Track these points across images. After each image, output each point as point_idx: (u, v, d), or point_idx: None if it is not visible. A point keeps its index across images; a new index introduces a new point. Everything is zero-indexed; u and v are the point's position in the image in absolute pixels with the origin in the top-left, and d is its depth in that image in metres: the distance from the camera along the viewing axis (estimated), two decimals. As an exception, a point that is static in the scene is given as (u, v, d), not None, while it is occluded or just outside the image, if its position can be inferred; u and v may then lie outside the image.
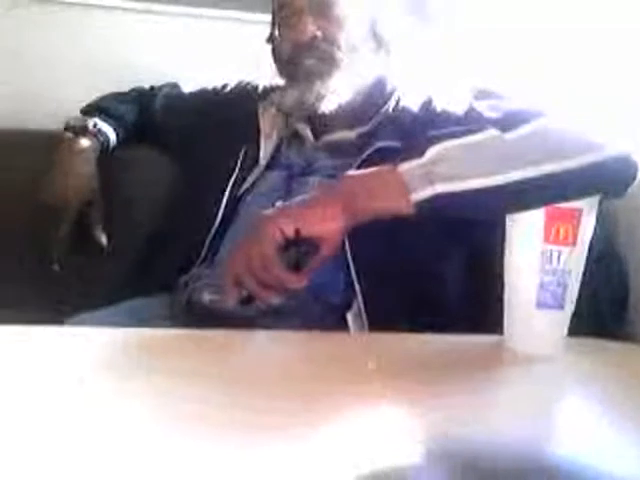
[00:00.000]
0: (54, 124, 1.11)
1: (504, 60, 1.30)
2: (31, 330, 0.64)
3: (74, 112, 1.12)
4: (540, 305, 0.73)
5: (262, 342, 0.74)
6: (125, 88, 1.20)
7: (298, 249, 0.74)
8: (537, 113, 0.79)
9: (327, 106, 0.95)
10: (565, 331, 0.74)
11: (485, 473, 0.29)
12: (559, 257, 0.73)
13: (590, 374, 0.69)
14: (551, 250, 0.72)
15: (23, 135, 1.20)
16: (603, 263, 0.97)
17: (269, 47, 1.01)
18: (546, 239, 0.72)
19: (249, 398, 0.48)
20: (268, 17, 1.02)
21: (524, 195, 0.73)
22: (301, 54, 0.95)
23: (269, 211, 0.78)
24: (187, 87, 1.20)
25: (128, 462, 0.35)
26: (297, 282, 0.73)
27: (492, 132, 0.76)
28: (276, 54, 1.01)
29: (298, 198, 0.81)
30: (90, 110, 1.12)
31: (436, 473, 0.28)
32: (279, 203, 0.86)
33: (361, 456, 0.34)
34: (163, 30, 1.36)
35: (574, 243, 0.73)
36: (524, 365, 0.71)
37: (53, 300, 0.99)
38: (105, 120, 1.11)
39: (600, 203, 0.76)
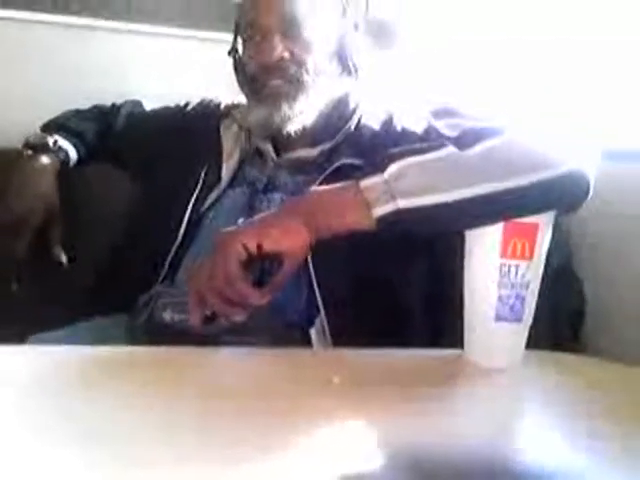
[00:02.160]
0: (10, 142, 1.09)
1: (464, 78, 1.34)
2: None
3: (32, 130, 1.10)
4: (499, 318, 0.74)
5: (226, 359, 0.74)
6: (83, 106, 1.19)
7: (261, 265, 0.75)
8: (495, 131, 0.81)
9: (292, 127, 0.96)
10: (523, 344, 0.76)
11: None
12: (517, 271, 0.74)
13: (547, 385, 0.70)
14: (509, 265, 0.74)
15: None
16: (560, 277, 0.99)
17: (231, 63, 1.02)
18: (504, 254, 0.74)
19: (212, 414, 0.48)
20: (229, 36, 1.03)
21: (481, 210, 0.74)
22: (268, 74, 0.95)
23: (232, 228, 0.78)
24: (149, 104, 1.20)
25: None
26: (261, 298, 0.73)
27: (450, 149, 0.78)
28: (239, 70, 1.01)
29: (261, 215, 0.81)
30: (50, 127, 1.11)
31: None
32: (241, 220, 0.86)
33: (328, 468, 0.35)
34: (123, 47, 1.37)
35: (531, 257, 0.75)
36: (483, 377, 0.72)
37: (11, 319, 0.96)
38: (65, 137, 1.09)
39: (556, 218, 0.78)
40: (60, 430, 0.41)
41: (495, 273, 0.74)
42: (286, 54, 0.95)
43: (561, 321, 1.03)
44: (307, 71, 0.95)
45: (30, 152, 1.05)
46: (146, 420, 0.45)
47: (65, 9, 1.34)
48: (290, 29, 0.95)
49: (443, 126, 0.92)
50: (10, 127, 1.10)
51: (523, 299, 0.75)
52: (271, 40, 0.94)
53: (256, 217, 0.81)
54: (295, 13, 0.95)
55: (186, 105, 1.17)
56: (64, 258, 1.03)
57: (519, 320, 0.75)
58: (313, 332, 0.87)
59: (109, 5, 1.37)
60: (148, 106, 1.20)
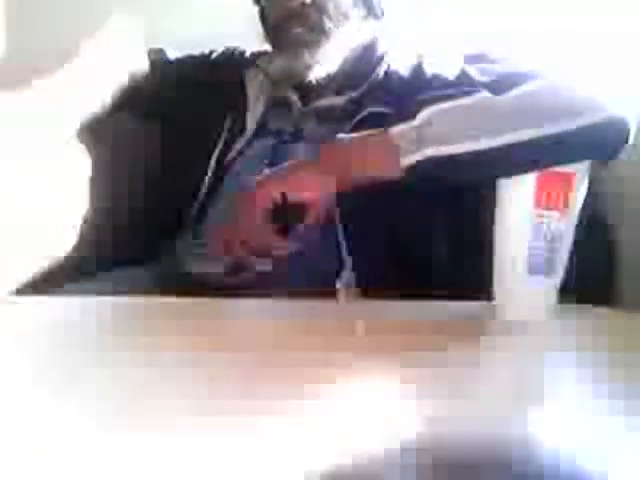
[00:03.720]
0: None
1: (499, 22, 1.28)
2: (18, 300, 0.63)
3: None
4: (531, 271, 0.72)
5: (246, 310, 0.73)
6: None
7: (285, 214, 0.73)
8: (531, 75, 0.78)
9: (315, 75, 0.93)
10: (555, 297, 0.74)
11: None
12: (550, 222, 0.72)
13: (579, 340, 0.68)
14: (543, 215, 0.72)
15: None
16: (592, 230, 0.96)
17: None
18: (537, 203, 0.71)
19: (226, 366, 0.47)
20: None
21: (514, 158, 0.72)
22: (289, 22, 0.93)
23: (257, 177, 0.76)
24: (172, 53, 1.18)
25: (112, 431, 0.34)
26: (285, 247, 0.72)
27: (484, 95, 0.75)
28: (263, 19, 0.99)
29: (286, 163, 0.79)
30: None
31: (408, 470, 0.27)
32: (267, 170, 0.85)
33: (344, 433, 0.33)
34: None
35: (565, 208, 0.72)
36: (514, 331, 0.70)
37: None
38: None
39: (590, 169, 0.75)
40: (74, 382, 0.41)
41: (528, 224, 0.72)
42: (307, 0, 0.91)
43: (593, 274, 1.00)
44: (329, 17, 0.92)
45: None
46: (159, 371, 0.44)
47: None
48: None
49: (476, 71, 0.88)
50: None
51: (556, 251, 0.73)
52: None
53: (282, 166, 0.79)
54: None
55: (210, 53, 1.14)
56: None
57: (551, 273, 0.73)
58: (339, 284, 0.85)
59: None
60: (171, 54, 1.18)
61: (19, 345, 0.51)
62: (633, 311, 0.78)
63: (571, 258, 0.76)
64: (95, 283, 0.86)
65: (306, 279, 0.86)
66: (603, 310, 0.77)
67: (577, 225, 0.75)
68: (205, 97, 1.03)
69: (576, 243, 0.76)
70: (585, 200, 0.75)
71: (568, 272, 0.76)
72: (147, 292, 0.84)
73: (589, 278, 0.99)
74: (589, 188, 0.75)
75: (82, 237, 1.01)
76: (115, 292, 0.74)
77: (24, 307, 0.64)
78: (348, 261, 0.85)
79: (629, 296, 1.03)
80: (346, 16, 0.93)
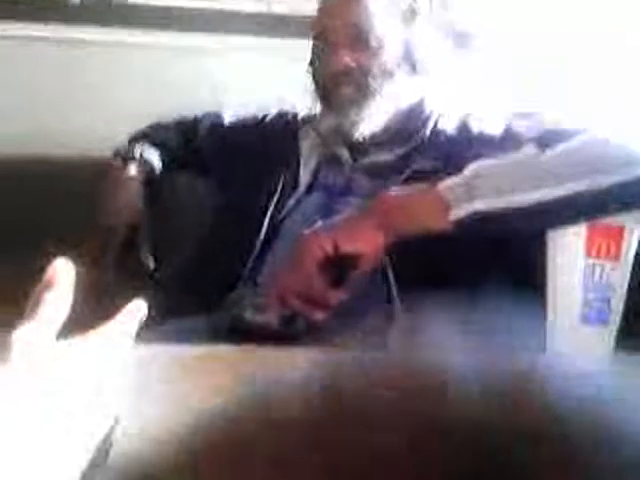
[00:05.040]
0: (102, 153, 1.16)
1: (543, 80, 1.31)
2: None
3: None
4: (584, 321, 0.72)
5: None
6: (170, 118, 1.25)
7: (337, 265, 0.76)
8: (577, 131, 0.79)
9: (362, 132, 0.97)
10: (611, 347, 0.73)
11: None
12: (602, 272, 0.72)
13: (636, 393, 0.67)
14: (594, 265, 0.72)
15: (69, 163, 1.25)
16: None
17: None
18: (588, 254, 0.72)
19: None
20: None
21: (561, 212, 0.73)
22: (337, 83, 0.98)
23: (309, 230, 0.79)
24: (229, 117, 1.24)
25: None
26: (337, 297, 0.74)
27: (531, 149, 0.77)
28: (315, 81, 1.04)
29: (338, 217, 0.82)
30: (137, 138, 1.17)
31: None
32: (319, 223, 0.88)
33: None
34: (210, 61, 1.43)
35: (617, 258, 0.72)
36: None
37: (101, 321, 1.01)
38: (151, 148, 1.15)
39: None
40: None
41: (580, 274, 0.72)
42: (352, 63, 0.97)
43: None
44: (374, 77, 0.97)
45: (119, 163, 1.11)
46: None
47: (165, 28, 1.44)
48: (355, 40, 0.97)
49: (523, 128, 0.90)
50: (105, 138, 1.17)
51: (609, 301, 0.72)
52: (337, 51, 0.97)
53: (334, 219, 0.82)
54: (359, 24, 0.97)
55: (265, 116, 1.20)
56: (152, 264, 1.08)
57: (605, 323, 0.73)
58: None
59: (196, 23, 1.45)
60: (228, 117, 1.24)
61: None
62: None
63: (628, 307, 0.75)
64: (156, 332, 0.89)
65: (359, 329, 0.88)
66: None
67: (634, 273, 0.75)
68: (260, 156, 1.08)
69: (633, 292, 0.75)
70: None
71: (626, 321, 0.75)
72: (205, 342, 0.87)
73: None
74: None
75: (147, 290, 1.05)
76: (177, 342, 0.77)
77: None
78: (399, 312, 0.87)
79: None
80: (392, 74, 0.98)
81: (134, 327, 0.40)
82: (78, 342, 0.36)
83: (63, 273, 0.36)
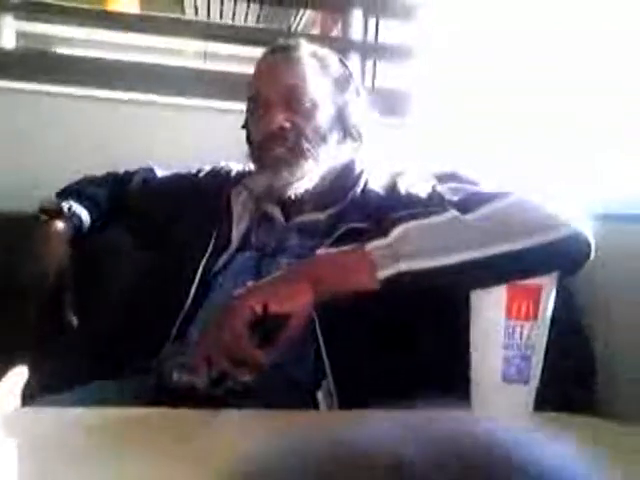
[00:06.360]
0: (27, 207, 1.13)
1: (468, 143, 1.37)
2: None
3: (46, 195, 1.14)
4: (505, 379, 0.74)
5: (231, 421, 0.73)
6: (99, 172, 1.23)
7: (267, 326, 0.76)
8: (497, 195, 0.83)
9: (295, 192, 0.99)
10: (531, 405, 0.75)
11: None
12: (522, 332, 0.75)
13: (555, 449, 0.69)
14: (514, 325, 0.75)
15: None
16: (568, 337, 0.99)
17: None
18: (508, 314, 0.75)
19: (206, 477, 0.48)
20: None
21: (482, 273, 0.76)
22: (271, 142, 1.00)
23: (239, 290, 0.80)
24: (162, 171, 1.24)
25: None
26: (266, 358, 0.74)
27: (452, 213, 0.80)
28: (249, 140, 1.06)
29: (268, 277, 0.83)
30: (65, 193, 1.14)
31: None
32: (250, 283, 0.88)
33: None
34: (141, 116, 1.43)
35: (536, 318, 0.75)
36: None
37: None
38: (80, 203, 1.12)
39: (561, 279, 0.79)
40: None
41: (500, 333, 0.75)
42: (286, 124, 0.99)
43: (572, 382, 1.02)
44: (307, 139, 0.99)
45: (45, 217, 1.08)
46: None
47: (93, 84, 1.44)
48: (290, 101, 1.00)
49: (446, 190, 0.94)
50: (28, 192, 1.13)
51: (529, 359, 0.75)
52: (272, 112, 0.99)
53: (263, 280, 0.82)
54: (294, 85, 1.00)
55: (198, 172, 1.20)
56: (75, 321, 1.04)
57: (525, 381, 0.75)
58: (320, 394, 0.86)
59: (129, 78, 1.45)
60: (160, 173, 1.23)
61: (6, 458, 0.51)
62: (610, 418, 0.79)
63: (547, 366, 0.78)
64: (79, 394, 0.86)
65: (287, 389, 0.87)
66: (578, 418, 0.78)
67: (551, 332, 0.78)
68: (192, 213, 1.08)
69: (551, 350, 0.78)
70: (558, 308, 0.78)
71: (544, 380, 0.77)
72: (129, 404, 0.85)
73: (567, 385, 1.00)
74: (562, 297, 0.79)
75: (70, 348, 1.02)
76: (101, 404, 0.74)
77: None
78: (329, 371, 0.87)
79: (607, 403, 1.04)
80: (324, 138, 1.01)
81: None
82: None
83: None
